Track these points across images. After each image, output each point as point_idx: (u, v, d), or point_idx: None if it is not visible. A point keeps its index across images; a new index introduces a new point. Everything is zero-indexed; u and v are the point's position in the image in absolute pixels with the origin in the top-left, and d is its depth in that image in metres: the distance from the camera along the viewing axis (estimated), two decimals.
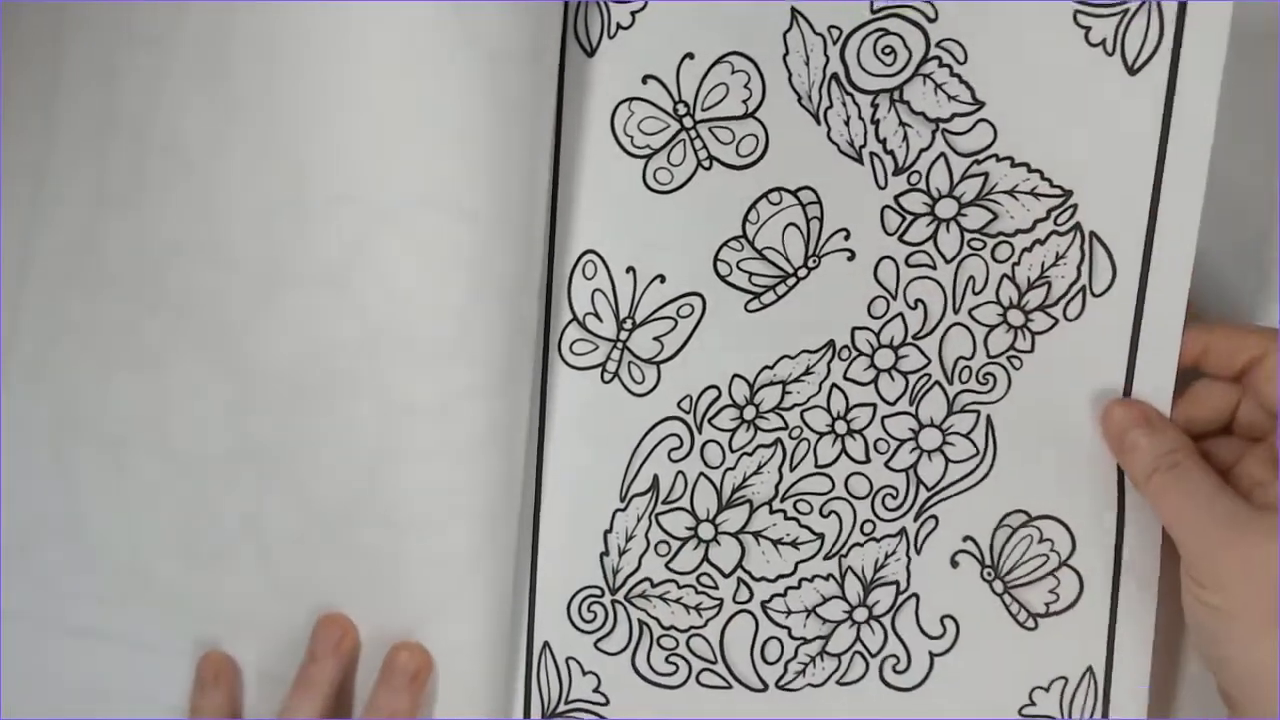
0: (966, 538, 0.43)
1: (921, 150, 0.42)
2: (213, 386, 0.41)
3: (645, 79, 0.42)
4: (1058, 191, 0.41)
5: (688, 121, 0.42)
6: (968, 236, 0.42)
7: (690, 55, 0.42)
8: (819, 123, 0.42)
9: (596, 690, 0.43)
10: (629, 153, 0.42)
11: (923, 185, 0.42)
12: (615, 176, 0.42)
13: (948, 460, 0.43)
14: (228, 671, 0.42)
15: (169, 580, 0.42)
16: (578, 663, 0.43)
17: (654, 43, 0.42)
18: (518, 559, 0.42)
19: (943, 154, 0.42)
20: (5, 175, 0.43)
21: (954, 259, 0.42)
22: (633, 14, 0.42)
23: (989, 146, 0.41)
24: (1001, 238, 0.42)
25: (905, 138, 0.42)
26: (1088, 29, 0.40)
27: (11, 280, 0.42)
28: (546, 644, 0.43)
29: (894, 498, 0.43)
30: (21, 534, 0.43)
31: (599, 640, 0.43)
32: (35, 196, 0.42)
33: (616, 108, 0.42)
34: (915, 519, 0.43)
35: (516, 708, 0.43)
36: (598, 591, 0.43)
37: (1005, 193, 0.41)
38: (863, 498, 0.43)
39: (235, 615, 0.42)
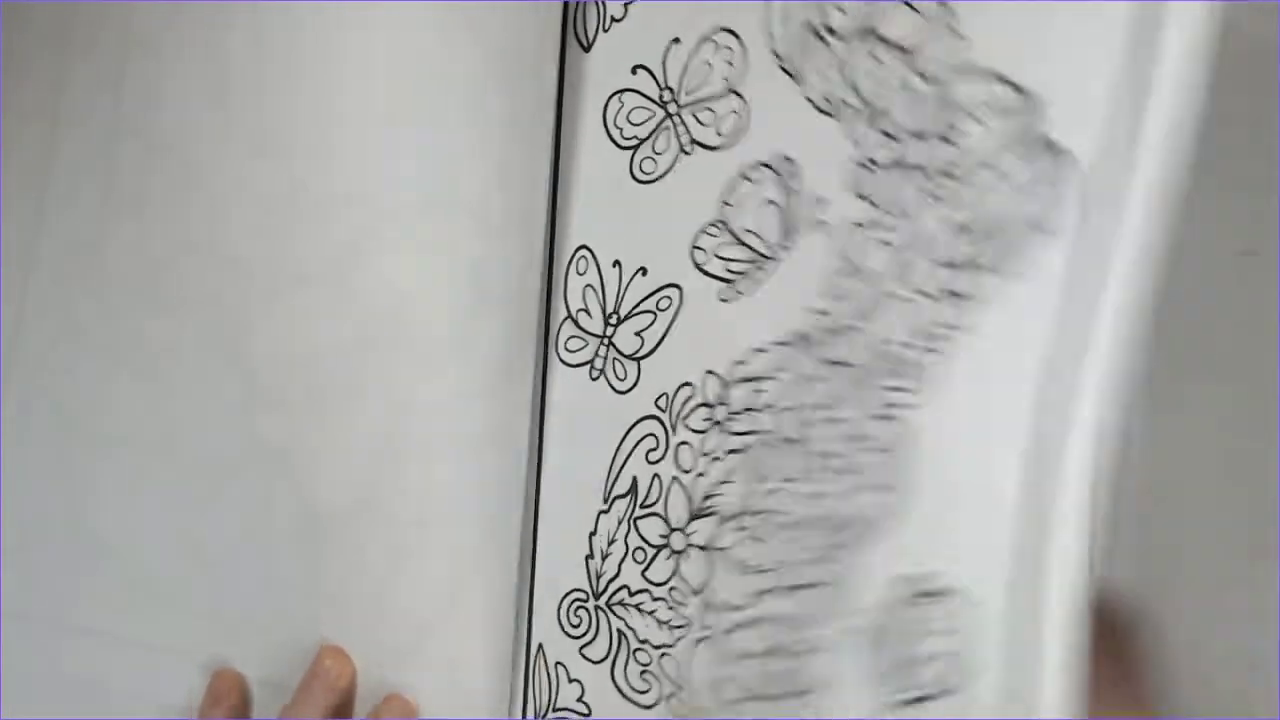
0: None
1: (891, 87, 0.36)
2: (216, 387, 0.41)
3: (635, 69, 0.41)
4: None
5: (672, 108, 0.40)
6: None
7: (677, 40, 0.40)
8: (798, 82, 0.37)
9: (580, 699, 0.41)
10: (619, 145, 0.41)
11: (891, 129, 0.35)
12: (606, 171, 0.41)
13: None
14: (239, 689, 0.41)
15: (172, 581, 0.42)
16: (564, 668, 0.42)
17: (644, 31, 0.41)
18: (520, 559, 0.42)
19: (910, 86, 0.35)
20: (9, 177, 0.44)
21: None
22: (625, 5, 0.41)
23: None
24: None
25: (876, 76, 0.36)
26: None
27: (15, 281, 0.43)
28: (540, 646, 0.42)
29: None
30: (23, 534, 0.44)
31: (583, 647, 0.41)
32: (40, 199, 0.43)
33: (608, 101, 0.41)
34: None
35: (517, 708, 0.43)
36: (583, 596, 0.41)
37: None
38: None
39: (237, 616, 0.42)
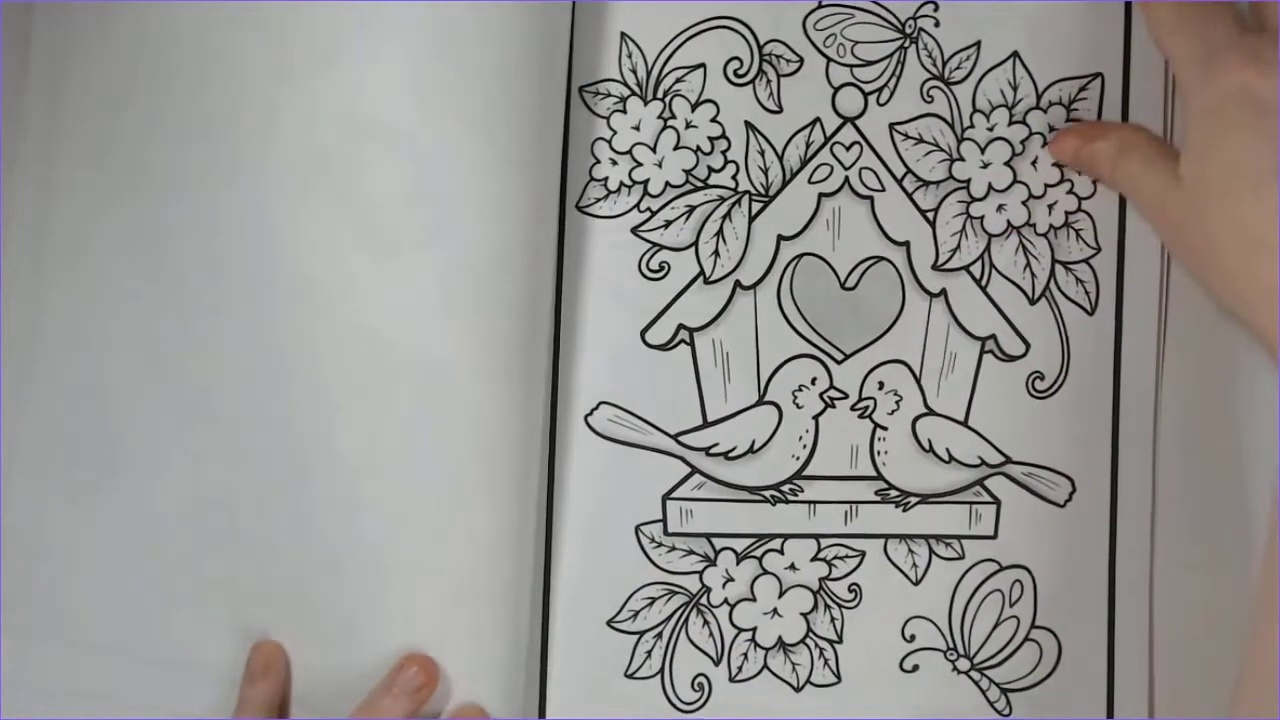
0: None
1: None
2: (215, 401, 0.40)
3: None
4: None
5: None
6: None
7: None
8: None
9: None
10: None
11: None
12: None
13: None
14: (277, 662, 0.41)
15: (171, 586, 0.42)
16: None
17: None
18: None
19: None
20: (8, 174, 0.42)
21: None
22: None
23: None
24: None
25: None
26: None
27: (15, 287, 0.41)
28: None
29: None
30: (23, 542, 0.42)
31: None
32: (41, 199, 0.41)
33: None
34: None
35: None
36: None
37: None
38: None
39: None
